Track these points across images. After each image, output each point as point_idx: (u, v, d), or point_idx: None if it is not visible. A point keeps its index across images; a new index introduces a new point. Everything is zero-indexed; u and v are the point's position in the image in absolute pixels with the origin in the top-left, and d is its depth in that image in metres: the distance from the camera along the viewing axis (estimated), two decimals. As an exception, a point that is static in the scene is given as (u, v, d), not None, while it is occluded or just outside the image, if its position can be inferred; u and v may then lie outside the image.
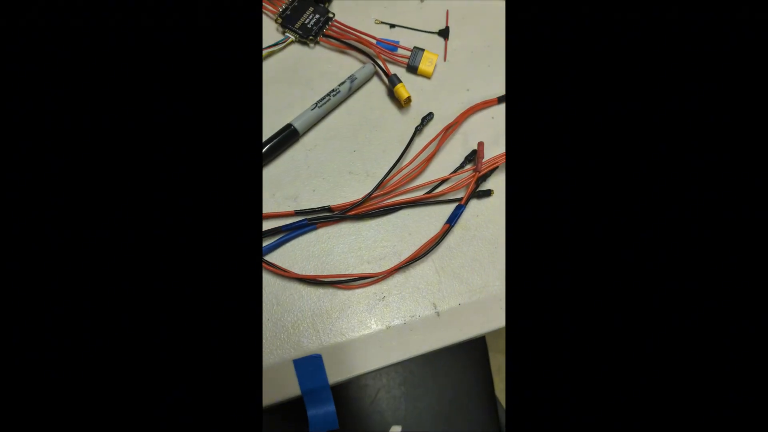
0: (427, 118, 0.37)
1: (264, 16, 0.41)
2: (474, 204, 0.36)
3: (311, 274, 0.33)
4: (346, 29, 0.40)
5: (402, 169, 0.36)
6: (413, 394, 0.56)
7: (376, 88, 0.39)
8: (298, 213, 0.33)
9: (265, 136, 0.36)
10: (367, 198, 0.34)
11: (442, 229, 0.34)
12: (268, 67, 0.39)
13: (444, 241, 0.34)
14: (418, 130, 0.37)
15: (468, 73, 0.40)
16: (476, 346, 0.56)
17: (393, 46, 0.40)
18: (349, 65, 0.40)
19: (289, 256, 0.33)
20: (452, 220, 0.34)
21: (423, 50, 0.39)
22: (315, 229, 0.33)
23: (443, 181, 0.36)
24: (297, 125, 0.35)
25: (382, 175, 0.35)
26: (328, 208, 0.34)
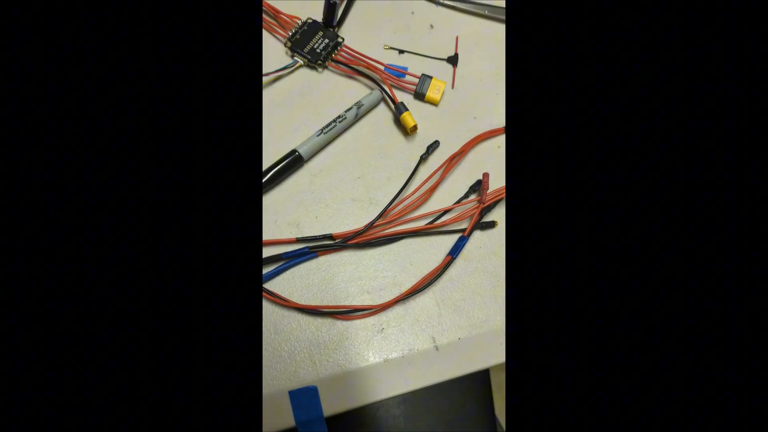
0: (433, 147, 0.37)
1: (273, 39, 0.41)
2: (477, 235, 0.36)
3: (310, 303, 0.32)
4: (355, 54, 0.40)
5: (405, 198, 0.36)
6: (412, 413, 0.55)
7: (382, 114, 0.39)
8: (299, 240, 0.33)
9: (270, 161, 0.36)
10: (370, 227, 0.34)
11: (444, 260, 0.34)
12: (275, 90, 0.39)
13: (445, 272, 0.34)
14: (423, 159, 0.37)
15: (476, 101, 0.40)
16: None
17: (401, 73, 0.40)
18: (356, 91, 0.40)
19: (288, 283, 0.33)
20: (454, 252, 0.34)
21: (431, 77, 0.39)
22: (316, 257, 0.33)
23: (447, 211, 0.36)
24: (302, 151, 0.35)
25: (386, 203, 0.35)
26: (330, 236, 0.34)
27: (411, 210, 0.35)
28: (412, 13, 0.44)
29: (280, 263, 0.32)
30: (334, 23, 0.41)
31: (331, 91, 0.40)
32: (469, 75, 0.41)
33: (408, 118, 0.37)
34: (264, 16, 0.41)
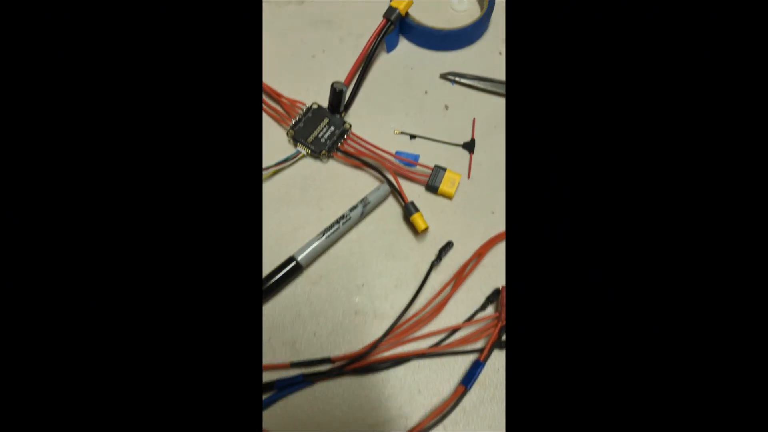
0: (446, 250, 0.34)
1: (275, 126, 0.38)
2: (496, 355, 0.32)
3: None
4: (362, 144, 0.37)
5: (416, 315, 0.32)
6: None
7: (390, 209, 0.36)
8: (293, 366, 0.30)
9: (268, 267, 0.33)
10: (373, 349, 0.30)
11: (456, 391, 0.30)
12: (276, 183, 0.36)
13: (459, 403, 0.30)
14: (434, 265, 0.33)
15: (494, 192, 0.36)
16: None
17: (412, 163, 0.36)
18: (363, 183, 0.36)
19: (280, 415, 0.29)
20: (468, 381, 0.30)
21: (445, 170, 0.36)
22: (312, 384, 0.30)
23: (460, 328, 0.32)
24: (301, 259, 0.32)
25: (392, 316, 0.32)
26: (329, 360, 0.30)
27: (420, 326, 0.32)
28: (426, 92, 0.41)
29: (272, 393, 0.29)
30: (341, 110, 0.38)
31: (335, 184, 0.36)
32: (487, 162, 0.38)
33: (419, 221, 0.33)
34: (265, 98, 0.39)
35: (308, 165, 0.37)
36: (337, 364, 0.30)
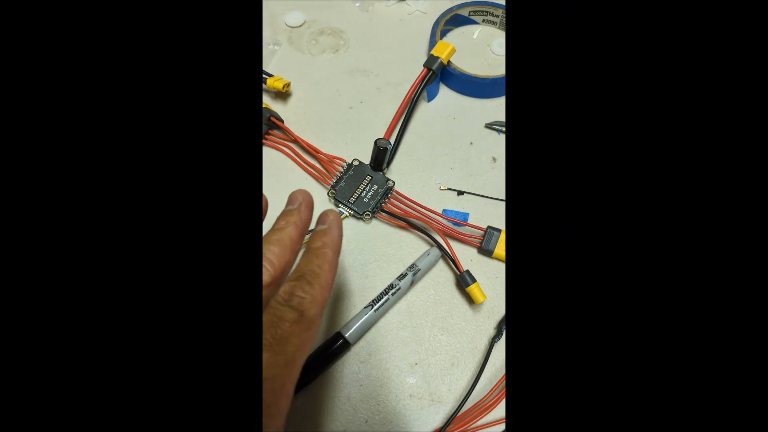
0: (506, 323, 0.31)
1: (315, 184, 0.36)
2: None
3: None
4: (407, 203, 0.34)
5: (480, 402, 0.28)
6: None
7: (441, 274, 0.33)
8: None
9: (315, 342, 0.30)
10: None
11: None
12: (318, 246, 0.34)
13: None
14: (495, 341, 0.30)
15: (552, 253, 0.34)
16: None
17: (461, 224, 0.34)
18: (410, 245, 0.34)
19: None
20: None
21: (500, 231, 0.33)
22: (367, 484, 0.27)
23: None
24: (348, 336, 0.29)
25: (450, 401, 0.29)
26: (384, 455, 0.27)
27: (485, 414, 0.29)
28: (471, 143, 0.38)
29: None
30: (384, 166, 0.36)
31: (380, 247, 0.34)
32: (541, 219, 0.35)
33: (476, 293, 0.30)
34: (306, 157, 0.37)
35: (351, 226, 0.35)
36: (393, 459, 0.27)
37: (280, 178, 0.37)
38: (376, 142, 0.34)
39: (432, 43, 0.41)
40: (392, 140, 0.37)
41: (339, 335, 0.30)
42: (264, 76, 0.39)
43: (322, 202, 0.36)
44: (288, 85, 0.39)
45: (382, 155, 0.34)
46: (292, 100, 0.40)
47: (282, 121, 0.38)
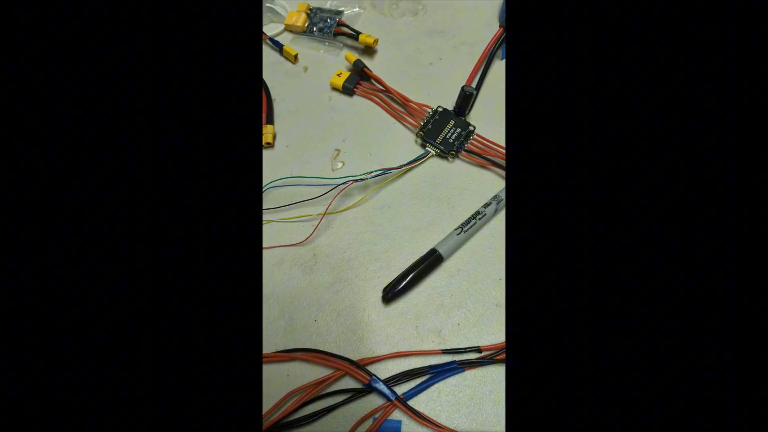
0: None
1: (404, 128, 0.41)
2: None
3: (464, 428, 0.30)
4: (488, 144, 0.39)
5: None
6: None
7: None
8: (445, 352, 0.31)
9: (404, 259, 0.34)
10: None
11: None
12: (407, 181, 0.38)
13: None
14: (571, 261, 0.34)
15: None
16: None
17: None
18: (491, 182, 0.38)
19: (435, 402, 0.30)
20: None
21: (573, 169, 0.37)
22: (464, 371, 0.31)
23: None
24: (442, 251, 0.34)
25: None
26: (478, 349, 0.31)
27: (563, 320, 0.32)
28: (542, 96, 0.42)
29: (427, 377, 0.30)
30: (467, 112, 0.40)
31: (464, 183, 0.38)
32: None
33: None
34: (394, 104, 0.41)
35: (437, 164, 0.39)
36: (485, 353, 0.31)
37: (372, 122, 0.41)
38: (462, 88, 0.38)
39: (505, 6, 0.45)
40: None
41: (434, 250, 0.34)
42: (354, 32, 0.43)
43: (410, 143, 0.40)
44: (377, 41, 0.43)
45: (467, 100, 0.38)
46: (378, 57, 0.45)
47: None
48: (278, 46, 0.45)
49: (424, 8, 0.48)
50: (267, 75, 0.43)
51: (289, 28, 0.46)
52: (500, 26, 0.43)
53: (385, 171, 0.37)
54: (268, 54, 0.45)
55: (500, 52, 0.44)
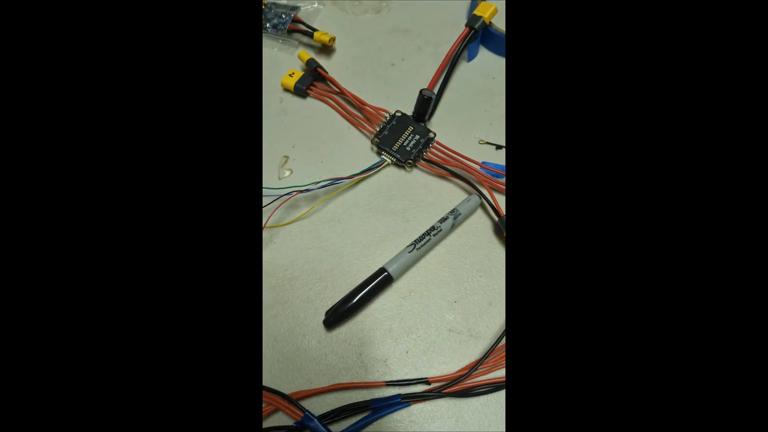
0: (543, 266, 0.32)
1: (359, 134, 0.37)
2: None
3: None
4: (448, 153, 0.36)
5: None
6: None
7: (479, 221, 0.34)
8: (389, 384, 0.28)
9: (354, 277, 0.31)
10: (472, 371, 0.28)
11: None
12: (361, 192, 0.35)
13: None
14: (532, 282, 0.31)
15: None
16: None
17: (500, 174, 0.35)
18: (450, 194, 0.35)
19: (375, 439, 0.28)
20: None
21: (537, 182, 0.34)
22: (409, 406, 0.28)
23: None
24: (392, 270, 0.31)
25: (488, 336, 0.30)
26: (425, 380, 0.28)
27: (521, 348, 0.30)
28: (509, 102, 0.39)
29: (368, 413, 0.27)
30: (427, 118, 0.37)
31: (421, 194, 0.35)
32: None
33: (515, 235, 0.32)
34: (350, 108, 0.38)
35: (393, 174, 0.36)
36: (434, 385, 0.28)
37: (325, 127, 0.38)
38: (421, 91, 0.35)
39: (474, 5, 0.42)
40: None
41: (382, 270, 0.31)
42: (310, 30, 0.40)
43: (365, 150, 0.37)
44: (333, 39, 0.40)
45: (426, 105, 0.35)
46: (335, 56, 0.42)
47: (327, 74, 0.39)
48: (229, 43, 0.41)
49: (388, 6, 0.45)
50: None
51: (242, 24, 0.42)
52: (466, 26, 0.40)
53: (335, 181, 0.34)
54: (219, 51, 0.42)
55: (466, 54, 0.41)
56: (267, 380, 0.28)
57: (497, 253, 0.33)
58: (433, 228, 0.32)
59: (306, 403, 0.27)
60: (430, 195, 0.35)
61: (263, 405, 0.27)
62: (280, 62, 0.41)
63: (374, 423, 0.27)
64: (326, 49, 0.42)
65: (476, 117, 0.39)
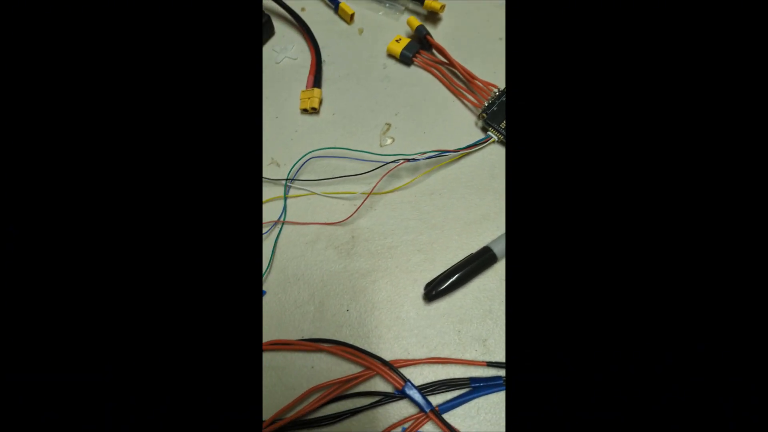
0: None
1: (464, 108, 0.36)
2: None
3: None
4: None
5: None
6: None
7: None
8: (490, 365, 0.28)
9: (454, 253, 0.31)
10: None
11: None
12: (464, 167, 0.34)
13: None
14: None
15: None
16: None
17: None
18: (556, 178, 0.34)
19: (473, 419, 0.27)
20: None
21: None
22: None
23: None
24: (497, 251, 0.30)
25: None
26: (526, 365, 0.28)
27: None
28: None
29: (466, 390, 0.27)
30: (538, 96, 0.35)
31: (525, 175, 0.34)
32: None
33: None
34: (455, 80, 0.37)
35: (497, 152, 0.35)
36: (535, 371, 0.28)
37: (428, 97, 0.37)
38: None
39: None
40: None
41: (488, 248, 0.30)
42: (419, -4, 0.39)
43: (469, 125, 0.36)
44: (443, 6, 0.38)
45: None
46: (440, 26, 0.40)
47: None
48: (334, 3, 0.40)
49: (498, -24, 0.43)
50: (319, 34, 0.40)
51: (347, -15, 0.42)
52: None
53: (441, 153, 0.33)
54: (322, 11, 0.41)
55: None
56: (364, 344, 0.28)
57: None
58: (540, 211, 0.31)
59: (404, 372, 0.27)
60: (535, 177, 0.34)
61: (363, 369, 0.27)
62: (383, 26, 0.40)
63: (472, 401, 0.27)
64: (432, 17, 0.40)
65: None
